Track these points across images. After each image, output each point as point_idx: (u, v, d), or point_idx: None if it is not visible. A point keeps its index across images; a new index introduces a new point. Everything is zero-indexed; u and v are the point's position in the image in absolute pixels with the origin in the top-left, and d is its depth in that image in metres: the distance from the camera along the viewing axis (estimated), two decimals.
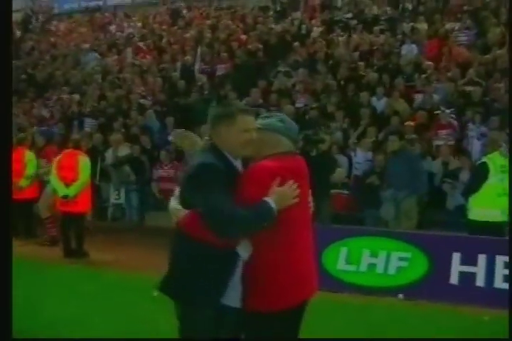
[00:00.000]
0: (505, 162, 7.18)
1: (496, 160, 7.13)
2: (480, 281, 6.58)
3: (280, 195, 2.96)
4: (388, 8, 15.55)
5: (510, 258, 6.41)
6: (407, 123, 10.09)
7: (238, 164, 3.14)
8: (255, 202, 2.93)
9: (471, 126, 9.99)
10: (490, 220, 7.04)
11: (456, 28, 13.36)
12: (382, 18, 15.07)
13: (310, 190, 3.29)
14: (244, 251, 3.02)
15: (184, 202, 3.14)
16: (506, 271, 6.50)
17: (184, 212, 3.09)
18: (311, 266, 3.24)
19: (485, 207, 7.09)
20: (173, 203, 3.22)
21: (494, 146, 7.40)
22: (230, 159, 3.09)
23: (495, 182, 7.06)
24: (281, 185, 2.99)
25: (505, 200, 7.07)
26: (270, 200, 2.94)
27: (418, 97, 11.26)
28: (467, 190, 7.54)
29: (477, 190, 7.22)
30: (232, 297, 3.05)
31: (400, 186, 8.74)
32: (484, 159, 7.31)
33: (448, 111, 10.24)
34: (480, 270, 6.63)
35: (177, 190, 3.29)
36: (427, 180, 9.26)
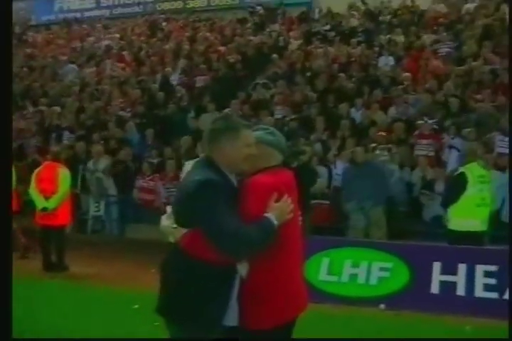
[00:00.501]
0: (485, 172, 7.27)
1: (474, 171, 7.19)
2: (460, 290, 6.63)
3: (279, 211, 2.92)
4: (365, 21, 15.77)
5: (510, 265, 6.42)
6: (379, 133, 10.22)
7: (233, 179, 3.06)
8: (257, 219, 2.88)
9: (446, 136, 10.12)
10: (469, 230, 7.07)
11: (432, 40, 13.58)
12: (359, 30, 15.27)
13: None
14: (243, 269, 2.96)
15: (181, 220, 3.02)
16: (486, 280, 6.55)
17: (182, 231, 2.99)
18: (303, 279, 3.25)
19: (464, 217, 7.12)
20: (167, 222, 3.15)
21: (472, 157, 7.45)
22: (227, 174, 3.01)
23: (473, 192, 7.11)
24: (278, 200, 2.95)
25: (484, 210, 7.14)
26: (271, 216, 2.89)
27: (394, 109, 11.38)
28: (446, 201, 7.57)
29: (456, 201, 7.22)
30: (229, 316, 2.97)
31: (365, 196, 8.68)
32: (462, 169, 7.30)
33: (430, 121, 10.36)
34: (460, 279, 6.68)
35: (169, 208, 3.21)
36: (404, 190, 9.36)
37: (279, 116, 11.90)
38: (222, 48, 15.73)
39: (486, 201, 7.16)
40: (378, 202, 8.80)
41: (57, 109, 13.92)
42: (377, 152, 9.64)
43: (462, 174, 7.22)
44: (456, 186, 7.29)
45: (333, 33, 15.36)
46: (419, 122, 10.39)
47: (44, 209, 8.69)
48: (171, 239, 3.05)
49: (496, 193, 7.94)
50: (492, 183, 7.54)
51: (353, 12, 16.53)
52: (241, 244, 2.82)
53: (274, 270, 2.99)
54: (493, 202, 7.51)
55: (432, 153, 9.86)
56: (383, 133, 10.19)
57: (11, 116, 3.93)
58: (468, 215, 7.10)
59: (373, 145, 9.68)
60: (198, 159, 3.19)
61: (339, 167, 9.88)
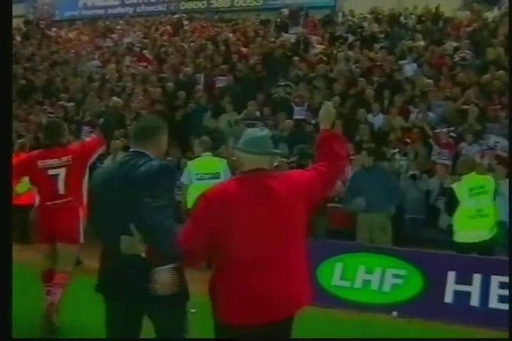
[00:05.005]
0: (483, 182, 7.16)
1: (466, 184, 7.12)
2: (474, 301, 6.54)
3: None
4: (387, 26, 15.71)
5: (510, 270, 6.36)
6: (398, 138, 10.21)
7: None
8: None
9: (463, 144, 10.04)
10: (469, 242, 7.05)
11: (454, 46, 13.50)
12: (382, 35, 15.21)
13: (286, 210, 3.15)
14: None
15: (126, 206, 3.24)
16: (501, 292, 6.45)
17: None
18: (280, 289, 3.04)
19: (461, 229, 7.13)
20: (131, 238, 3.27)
21: (467, 168, 7.30)
22: None
23: (466, 205, 7.09)
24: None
25: (480, 221, 7.05)
26: None
27: (414, 115, 11.32)
28: (447, 213, 7.61)
29: (451, 215, 7.30)
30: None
31: (370, 201, 8.37)
32: (452, 185, 7.37)
33: (445, 130, 10.30)
34: (475, 289, 6.59)
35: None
36: (421, 197, 9.25)
37: (300, 118, 11.89)
38: (244, 49, 15.72)
39: (484, 212, 7.07)
40: (383, 207, 8.49)
41: (77, 104, 13.98)
42: (396, 156, 9.57)
43: (450, 189, 7.26)
44: (448, 200, 7.35)
45: (355, 37, 15.31)
46: (436, 131, 10.34)
47: None
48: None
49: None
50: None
51: (376, 17, 16.47)
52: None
53: (218, 278, 3.08)
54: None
55: (449, 163, 9.79)
56: (408, 140, 10.12)
57: (10, 115, 3.95)
58: (464, 228, 7.09)
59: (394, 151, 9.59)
60: (128, 153, 3.44)
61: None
